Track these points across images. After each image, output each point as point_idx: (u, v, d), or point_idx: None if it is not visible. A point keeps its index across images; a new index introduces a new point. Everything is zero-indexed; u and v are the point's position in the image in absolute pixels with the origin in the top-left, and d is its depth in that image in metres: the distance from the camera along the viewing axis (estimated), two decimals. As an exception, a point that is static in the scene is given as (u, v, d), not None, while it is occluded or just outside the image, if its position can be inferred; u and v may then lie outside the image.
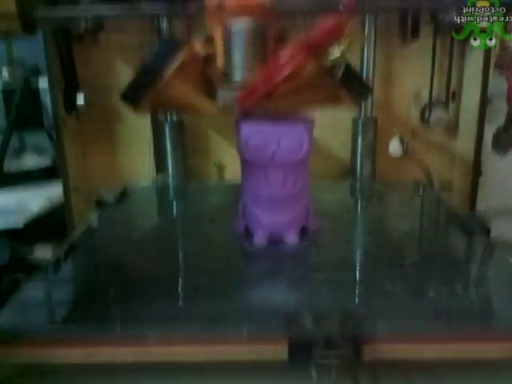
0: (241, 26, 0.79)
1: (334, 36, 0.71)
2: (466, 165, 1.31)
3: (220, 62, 0.82)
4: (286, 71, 0.72)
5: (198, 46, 0.81)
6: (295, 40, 0.75)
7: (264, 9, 0.79)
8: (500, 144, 1.30)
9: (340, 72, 0.75)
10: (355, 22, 0.86)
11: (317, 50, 0.73)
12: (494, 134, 1.29)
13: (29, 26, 0.95)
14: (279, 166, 0.80)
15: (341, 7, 0.71)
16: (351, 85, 0.80)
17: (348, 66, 0.77)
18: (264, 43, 0.80)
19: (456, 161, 1.35)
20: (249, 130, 0.80)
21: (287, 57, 0.73)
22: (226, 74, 0.82)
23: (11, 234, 1.26)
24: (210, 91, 0.83)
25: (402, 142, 1.33)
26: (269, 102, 0.77)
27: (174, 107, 0.88)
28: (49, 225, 1.32)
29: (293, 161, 0.80)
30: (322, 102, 0.84)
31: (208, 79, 0.83)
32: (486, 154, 1.30)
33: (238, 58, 0.80)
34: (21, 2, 0.92)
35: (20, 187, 1.40)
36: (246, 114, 0.82)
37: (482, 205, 1.29)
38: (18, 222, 1.26)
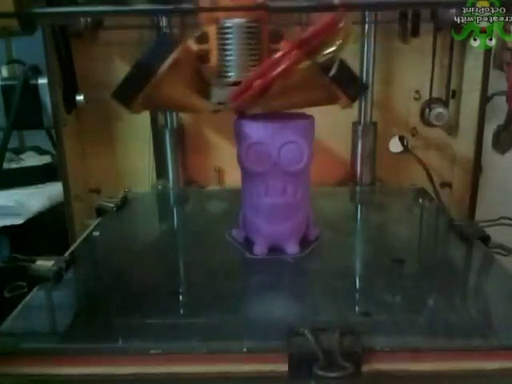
0: (235, 23, 0.79)
1: (329, 33, 0.70)
2: (466, 163, 1.31)
3: (214, 59, 0.82)
4: (281, 68, 0.72)
5: (192, 44, 0.81)
6: (290, 38, 0.76)
7: (258, 6, 0.78)
8: (500, 143, 1.29)
9: (333, 69, 0.75)
10: (350, 20, 0.88)
11: (311, 47, 0.72)
12: (494, 133, 1.29)
13: (27, 24, 0.94)
14: (279, 176, 0.80)
15: (335, 4, 0.71)
16: (346, 82, 0.80)
17: (342, 63, 0.77)
18: (258, 41, 0.80)
19: (456, 159, 1.35)
20: (249, 139, 0.80)
21: (281, 54, 0.73)
22: (220, 72, 0.82)
23: (11, 234, 1.27)
24: (203, 89, 0.83)
25: (402, 140, 1.33)
26: (263, 100, 0.78)
27: (167, 105, 0.87)
28: (49, 224, 1.32)
29: (293, 171, 0.80)
30: (317, 100, 0.84)
31: (202, 77, 0.83)
32: (486, 152, 1.30)
33: (232, 55, 0.80)
34: (18, 1, 0.91)
35: (19, 186, 1.39)
36: (241, 112, 0.83)
37: (482, 204, 1.29)
38: (17, 221, 1.26)
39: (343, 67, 0.78)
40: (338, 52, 0.72)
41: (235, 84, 0.79)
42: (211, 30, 0.81)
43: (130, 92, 0.77)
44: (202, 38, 0.81)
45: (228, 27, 0.79)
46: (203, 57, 0.82)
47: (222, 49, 0.80)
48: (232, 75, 0.81)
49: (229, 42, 0.80)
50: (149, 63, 0.76)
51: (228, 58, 0.80)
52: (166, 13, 1.12)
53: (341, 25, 0.70)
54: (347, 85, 0.80)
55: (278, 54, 0.73)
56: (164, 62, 0.75)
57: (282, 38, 0.82)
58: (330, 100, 0.83)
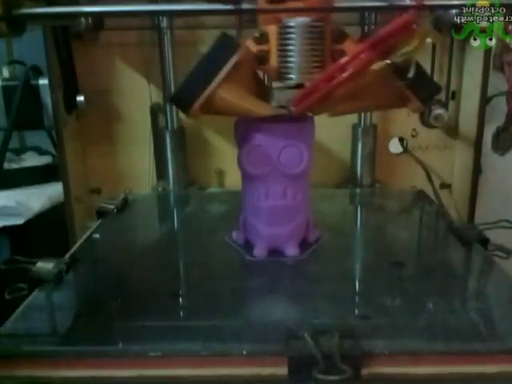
0: (297, 22, 0.75)
1: (404, 34, 0.66)
2: (466, 164, 1.31)
3: (274, 60, 0.78)
4: (350, 70, 0.68)
5: (251, 45, 0.78)
6: (355, 38, 0.74)
7: (322, 4, 0.74)
8: (499, 144, 1.30)
9: (411, 71, 0.73)
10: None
11: (384, 48, 0.68)
12: (493, 134, 1.29)
13: (15, 26, 0.94)
14: (279, 178, 0.80)
15: (410, 4, 0.69)
16: (421, 85, 0.78)
17: (419, 66, 0.75)
18: (321, 41, 0.76)
19: (456, 160, 1.36)
20: (249, 143, 0.80)
21: (351, 55, 0.69)
22: (281, 74, 0.78)
23: (11, 234, 1.27)
24: (263, 92, 0.81)
25: (401, 141, 1.33)
26: (329, 103, 0.75)
27: (226, 110, 0.78)
28: (49, 224, 1.33)
29: (293, 173, 0.80)
30: (386, 103, 0.83)
31: (261, 79, 0.82)
32: (486, 153, 1.30)
33: (294, 56, 0.76)
34: (5, 3, 0.91)
35: (20, 186, 1.40)
36: (303, 116, 0.80)
37: (481, 205, 1.29)
38: (18, 221, 1.27)
39: (419, 69, 0.75)
40: (414, 53, 0.70)
41: (297, 86, 0.77)
42: (271, 30, 0.77)
43: (190, 97, 0.74)
44: (262, 39, 0.77)
45: (290, 27, 0.75)
46: (262, 58, 0.78)
47: (283, 50, 0.77)
48: (293, 77, 0.77)
49: (290, 42, 0.76)
50: (209, 66, 0.73)
51: (289, 59, 0.77)
52: (169, 14, 1.13)
53: (415, 25, 0.66)
54: (421, 87, 0.78)
55: (348, 56, 0.69)
56: (225, 66, 0.73)
57: (346, 38, 0.78)
58: (400, 103, 0.80)
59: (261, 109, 0.77)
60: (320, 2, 0.75)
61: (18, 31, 0.85)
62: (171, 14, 1.13)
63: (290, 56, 0.76)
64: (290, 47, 0.76)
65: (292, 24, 0.75)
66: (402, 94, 0.78)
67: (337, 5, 0.76)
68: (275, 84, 0.80)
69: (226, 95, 0.74)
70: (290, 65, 0.77)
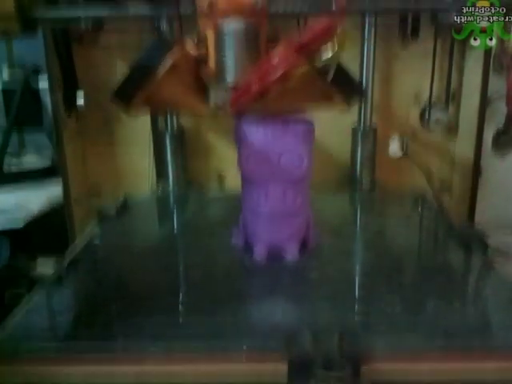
0: (233, 26, 0.79)
1: (326, 37, 0.72)
2: (466, 166, 1.31)
3: (212, 62, 0.82)
4: (279, 72, 0.73)
5: (190, 46, 0.82)
6: (287, 41, 0.76)
7: (256, 9, 0.79)
8: (499, 145, 1.30)
9: (331, 72, 0.76)
10: (346, 23, 0.91)
11: (309, 50, 0.73)
12: (493, 136, 1.29)
13: (28, 26, 0.94)
14: (279, 182, 0.80)
15: (333, 8, 0.75)
16: (343, 85, 0.81)
17: (339, 67, 0.78)
18: (256, 44, 0.81)
19: (456, 162, 1.35)
20: (249, 146, 0.80)
21: (280, 57, 0.74)
22: (219, 75, 0.82)
23: (11, 234, 1.27)
24: (201, 91, 0.84)
25: (401, 143, 1.33)
26: (261, 103, 0.78)
27: (165, 107, 0.89)
28: (49, 224, 1.32)
29: (293, 177, 0.81)
30: (314, 102, 0.85)
31: (200, 79, 0.84)
32: (486, 155, 1.30)
33: (230, 58, 0.81)
34: (19, 3, 0.92)
35: (20, 187, 1.40)
36: (239, 115, 0.83)
37: (481, 206, 1.29)
38: (17, 222, 1.27)
39: (340, 71, 0.79)
40: (335, 57, 0.74)
41: (234, 87, 0.80)
42: (209, 33, 0.81)
43: (129, 94, 0.78)
44: (201, 41, 0.82)
45: (226, 30, 0.80)
46: (202, 60, 0.83)
47: (220, 52, 0.81)
48: (230, 77, 0.81)
49: (227, 45, 0.80)
50: (147, 65, 0.78)
51: (226, 61, 0.81)
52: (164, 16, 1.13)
53: (338, 28, 0.71)
54: (344, 88, 0.81)
55: (276, 59, 0.74)
56: (162, 65, 0.77)
57: (279, 39, 0.82)
58: (327, 102, 0.84)
59: (199, 107, 0.83)
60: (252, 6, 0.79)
61: (30, 32, 0.87)
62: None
63: (227, 58, 0.81)
64: (227, 50, 0.81)
65: (228, 27, 0.80)
66: (328, 94, 0.82)
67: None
68: (214, 84, 0.84)
69: (166, 92, 0.80)
70: (227, 66, 0.81)
